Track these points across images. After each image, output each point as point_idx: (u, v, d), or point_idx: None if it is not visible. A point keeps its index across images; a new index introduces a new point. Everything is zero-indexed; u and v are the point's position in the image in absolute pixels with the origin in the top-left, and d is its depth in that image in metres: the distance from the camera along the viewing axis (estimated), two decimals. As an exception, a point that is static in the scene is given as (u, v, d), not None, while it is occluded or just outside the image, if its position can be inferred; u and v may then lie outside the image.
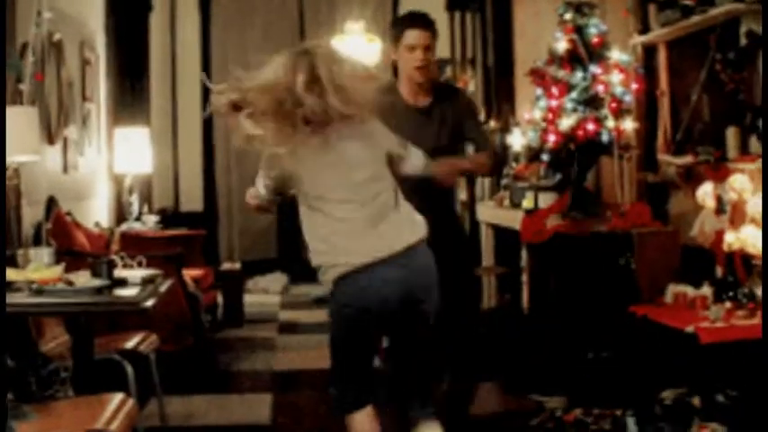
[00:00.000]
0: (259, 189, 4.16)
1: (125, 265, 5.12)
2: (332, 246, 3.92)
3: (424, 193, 4.42)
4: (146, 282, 4.68)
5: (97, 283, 4.49)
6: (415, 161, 4.20)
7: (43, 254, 4.89)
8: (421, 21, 4.97)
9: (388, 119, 4.18)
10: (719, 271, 5.35)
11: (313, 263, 4.02)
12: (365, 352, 4.07)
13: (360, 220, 3.91)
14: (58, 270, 4.58)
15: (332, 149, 3.89)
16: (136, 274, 4.83)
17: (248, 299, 10.14)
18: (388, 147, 4.07)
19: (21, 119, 5.35)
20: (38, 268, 4.61)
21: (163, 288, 4.80)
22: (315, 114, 3.80)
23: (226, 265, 10.24)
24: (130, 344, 5.52)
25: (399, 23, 5.11)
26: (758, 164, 5.23)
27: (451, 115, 5.07)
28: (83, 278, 4.54)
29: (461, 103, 5.25)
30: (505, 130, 8.98)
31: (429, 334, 4.11)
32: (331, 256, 3.92)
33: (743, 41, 5.51)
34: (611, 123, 6.09)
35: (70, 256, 5.75)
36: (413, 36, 4.92)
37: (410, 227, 4.01)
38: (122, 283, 4.62)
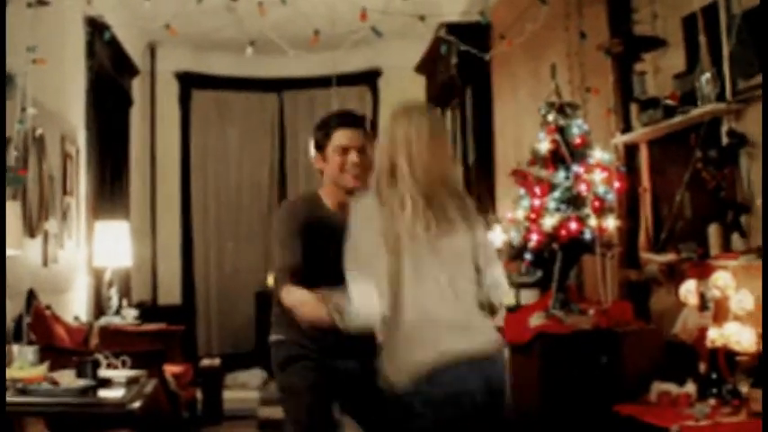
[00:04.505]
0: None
1: (109, 365, 5.09)
2: None
3: None
4: (131, 382, 4.66)
5: (82, 383, 4.46)
6: None
7: (27, 352, 4.86)
8: (352, 119, 4.33)
9: (314, 235, 4.01)
10: (703, 368, 5.35)
11: None
12: None
13: None
14: (42, 369, 4.55)
15: None
16: (120, 374, 4.80)
17: (227, 395, 10.05)
18: None
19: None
20: (22, 366, 4.58)
21: (148, 388, 4.77)
22: None
23: (205, 362, 10.16)
24: (113, 443, 5.46)
25: (325, 125, 4.31)
26: (741, 261, 5.27)
27: None
28: (67, 378, 4.51)
29: None
30: (486, 227, 9.01)
31: None
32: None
33: (724, 140, 5.58)
34: (593, 222, 6.11)
35: (51, 351, 5.71)
36: (345, 136, 4.23)
37: None
38: (107, 383, 4.59)
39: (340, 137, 4.22)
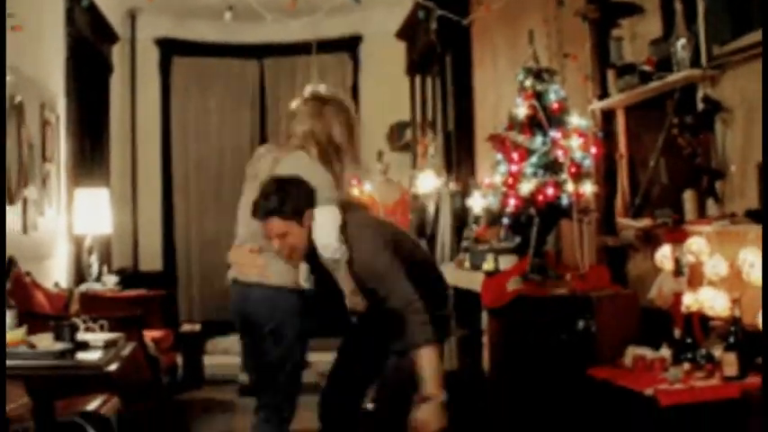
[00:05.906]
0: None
1: (87, 329, 5.11)
2: None
3: None
4: (108, 345, 4.68)
5: (60, 346, 4.47)
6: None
7: (6, 315, 4.87)
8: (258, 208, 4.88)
9: None
10: (677, 333, 5.38)
11: None
12: None
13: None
14: (20, 333, 4.56)
15: None
16: (98, 337, 4.82)
17: (208, 360, 10.10)
18: None
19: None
20: (-1, 331, 4.59)
21: (125, 351, 4.80)
22: None
23: (186, 327, 10.19)
24: (92, 406, 5.49)
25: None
26: (715, 226, 5.29)
27: None
28: (45, 341, 4.53)
29: None
30: (465, 192, 9.04)
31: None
32: None
33: (700, 106, 5.60)
34: (570, 187, 6.13)
35: (31, 317, 5.73)
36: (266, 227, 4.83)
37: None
38: (85, 346, 4.60)
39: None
